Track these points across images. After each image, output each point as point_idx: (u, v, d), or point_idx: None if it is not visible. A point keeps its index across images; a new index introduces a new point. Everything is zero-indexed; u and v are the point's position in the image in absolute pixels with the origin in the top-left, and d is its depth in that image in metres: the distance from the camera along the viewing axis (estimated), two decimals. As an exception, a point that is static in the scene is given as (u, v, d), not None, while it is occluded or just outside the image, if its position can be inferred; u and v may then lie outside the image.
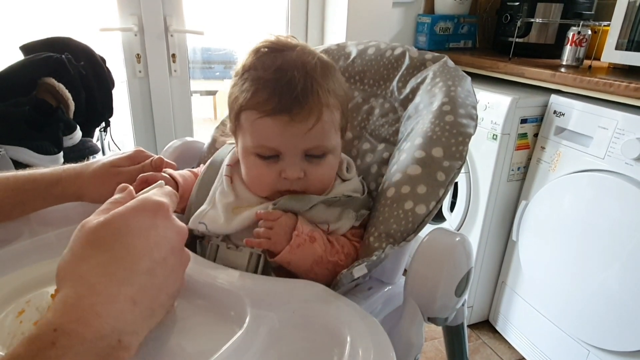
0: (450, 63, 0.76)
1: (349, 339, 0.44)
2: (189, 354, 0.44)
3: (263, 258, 0.60)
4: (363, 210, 0.66)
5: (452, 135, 0.63)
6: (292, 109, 0.56)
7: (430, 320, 0.55)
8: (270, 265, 0.60)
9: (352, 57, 0.85)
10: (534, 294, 1.53)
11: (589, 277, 1.31)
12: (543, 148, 1.46)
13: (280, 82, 0.57)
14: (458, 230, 1.68)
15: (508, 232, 1.61)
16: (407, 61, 0.79)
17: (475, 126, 0.65)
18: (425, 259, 0.54)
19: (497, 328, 1.73)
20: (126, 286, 0.35)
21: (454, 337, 0.73)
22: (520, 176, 1.55)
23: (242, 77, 0.60)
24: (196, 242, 0.67)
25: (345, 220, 0.64)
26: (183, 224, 0.48)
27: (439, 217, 1.78)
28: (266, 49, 0.60)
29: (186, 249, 0.48)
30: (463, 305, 0.68)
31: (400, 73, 0.78)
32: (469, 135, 0.63)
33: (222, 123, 0.86)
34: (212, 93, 3.06)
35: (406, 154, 0.65)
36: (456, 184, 1.64)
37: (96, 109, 1.29)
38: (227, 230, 0.62)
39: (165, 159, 0.70)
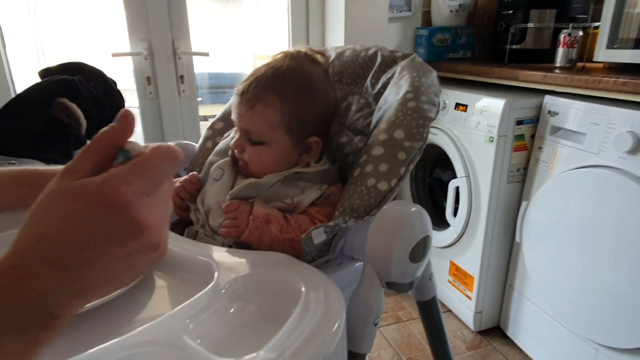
0: (418, 59, 0.81)
1: (303, 292, 0.48)
2: (153, 308, 0.48)
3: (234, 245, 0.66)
4: (328, 192, 0.71)
5: (413, 119, 0.67)
6: (242, 94, 0.70)
7: (390, 286, 0.58)
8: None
9: (331, 59, 0.91)
10: (542, 296, 1.52)
11: (594, 274, 1.30)
12: (540, 148, 1.48)
13: (256, 74, 0.71)
14: (462, 235, 1.69)
15: (512, 234, 1.61)
16: (379, 59, 0.84)
17: (437, 112, 0.70)
18: (380, 226, 0.57)
19: (508, 333, 1.70)
20: (55, 269, 0.31)
21: (427, 312, 0.75)
22: (521, 177, 1.56)
23: None
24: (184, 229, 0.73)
25: (308, 193, 0.70)
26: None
27: (443, 223, 1.79)
28: (289, 53, 0.74)
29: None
30: (430, 279, 0.71)
31: (373, 70, 0.84)
32: (430, 119, 0.68)
33: (211, 126, 0.92)
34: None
35: (372, 138, 0.69)
36: (457, 188, 1.67)
37: (107, 125, 1.38)
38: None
39: None
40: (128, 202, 0.32)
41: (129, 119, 0.35)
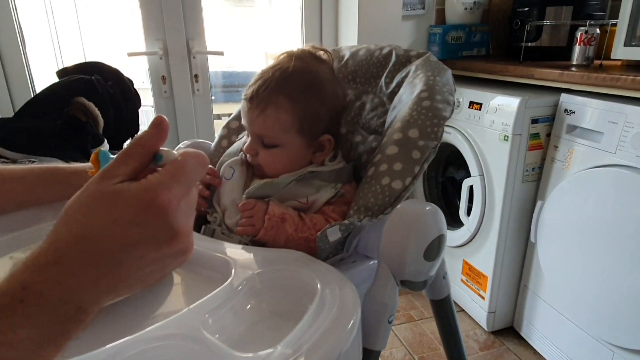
0: (433, 58, 0.81)
1: (319, 288, 0.48)
2: (172, 303, 0.49)
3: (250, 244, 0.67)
4: (342, 190, 0.71)
5: (427, 118, 0.67)
6: (251, 99, 0.70)
7: (404, 284, 0.58)
8: None
9: (345, 58, 0.91)
10: (557, 297, 1.50)
11: (610, 274, 1.28)
12: (556, 147, 1.46)
13: (263, 77, 0.71)
14: (475, 234, 1.68)
15: (527, 234, 1.60)
16: (393, 58, 0.84)
17: (452, 111, 0.70)
18: (395, 225, 0.58)
19: (522, 334, 1.69)
20: (92, 267, 0.33)
21: (441, 311, 0.76)
22: (536, 177, 1.55)
23: None
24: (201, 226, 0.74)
25: (323, 192, 0.71)
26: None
27: (456, 222, 1.78)
28: (293, 53, 0.74)
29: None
30: (444, 278, 0.71)
31: (387, 70, 0.84)
32: (444, 118, 0.68)
33: (227, 125, 0.93)
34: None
35: (387, 138, 0.70)
36: (471, 187, 1.66)
37: (124, 124, 1.40)
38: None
39: None
40: (168, 208, 0.34)
41: (163, 124, 0.38)
